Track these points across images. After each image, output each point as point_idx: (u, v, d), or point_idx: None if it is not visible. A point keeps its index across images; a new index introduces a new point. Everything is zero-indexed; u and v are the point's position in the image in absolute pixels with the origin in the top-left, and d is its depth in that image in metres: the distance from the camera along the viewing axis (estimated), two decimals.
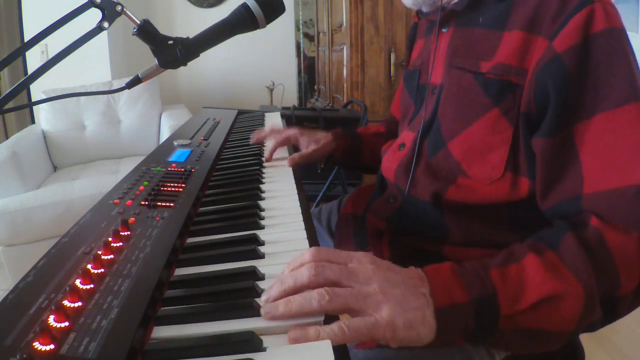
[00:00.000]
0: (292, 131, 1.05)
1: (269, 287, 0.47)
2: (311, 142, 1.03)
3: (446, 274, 0.49)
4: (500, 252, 0.53)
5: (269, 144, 1.05)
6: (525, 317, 0.47)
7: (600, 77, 0.56)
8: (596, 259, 0.49)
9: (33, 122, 2.87)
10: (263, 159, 1.01)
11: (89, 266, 0.49)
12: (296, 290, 0.45)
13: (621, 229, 0.51)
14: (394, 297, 0.45)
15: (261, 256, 0.57)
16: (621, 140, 0.54)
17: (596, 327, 0.51)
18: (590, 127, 0.56)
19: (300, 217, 0.67)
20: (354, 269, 0.47)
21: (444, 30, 0.79)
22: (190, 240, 0.63)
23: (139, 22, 0.68)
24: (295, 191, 0.79)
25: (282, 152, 1.07)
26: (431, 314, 0.45)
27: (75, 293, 0.43)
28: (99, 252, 0.51)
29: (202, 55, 0.72)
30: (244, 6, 0.70)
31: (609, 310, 0.50)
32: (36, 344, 0.37)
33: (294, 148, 1.09)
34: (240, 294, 0.48)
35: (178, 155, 0.97)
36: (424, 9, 0.81)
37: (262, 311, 0.44)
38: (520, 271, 0.49)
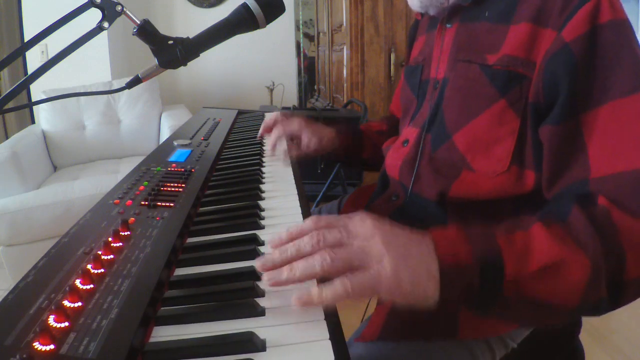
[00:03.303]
0: (297, 122, 1.01)
1: (268, 254, 0.47)
2: (314, 138, 0.99)
3: (451, 232, 0.49)
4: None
5: (272, 136, 1.02)
6: (531, 284, 0.47)
7: (607, 67, 0.56)
8: (604, 236, 0.49)
9: (33, 122, 2.87)
10: (263, 159, 1.01)
11: (89, 266, 0.49)
12: (298, 258, 0.45)
13: (628, 212, 0.51)
14: (397, 250, 0.44)
15: (261, 256, 0.57)
16: (628, 128, 0.54)
17: (600, 310, 0.51)
18: (597, 116, 0.56)
19: (300, 217, 0.68)
20: (355, 228, 0.47)
21: (448, 25, 0.79)
22: (190, 240, 0.63)
23: (139, 22, 0.68)
24: (295, 191, 0.79)
25: (284, 143, 1.03)
26: (436, 270, 0.45)
27: (75, 293, 0.43)
28: (99, 252, 0.51)
29: (202, 55, 0.72)
30: (244, 6, 0.70)
31: (614, 293, 0.49)
32: (36, 344, 0.37)
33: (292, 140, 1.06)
34: (240, 294, 0.48)
35: (178, 155, 0.96)
36: (431, 12, 0.80)
37: (264, 277, 0.44)
38: (526, 238, 0.49)
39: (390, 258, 0.43)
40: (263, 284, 0.46)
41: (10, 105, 0.60)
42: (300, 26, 3.58)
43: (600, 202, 0.52)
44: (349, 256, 0.44)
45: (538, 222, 0.50)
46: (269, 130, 1.05)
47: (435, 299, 0.45)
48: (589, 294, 0.48)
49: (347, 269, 0.43)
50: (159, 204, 0.68)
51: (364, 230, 0.46)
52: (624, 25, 0.58)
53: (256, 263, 0.48)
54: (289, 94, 3.45)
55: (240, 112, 1.56)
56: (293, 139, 1.02)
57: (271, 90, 3.26)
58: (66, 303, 0.42)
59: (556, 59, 0.59)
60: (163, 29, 0.68)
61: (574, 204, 0.52)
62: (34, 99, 2.69)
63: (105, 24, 0.65)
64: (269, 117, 1.06)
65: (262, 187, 0.82)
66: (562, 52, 0.59)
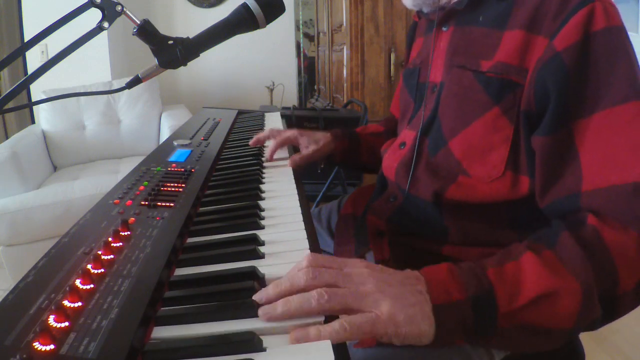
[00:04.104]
0: (291, 132, 1.05)
1: (264, 289, 0.47)
2: (311, 143, 1.03)
3: (442, 272, 0.49)
4: (499, 251, 0.53)
5: (269, 145, 1.05)
6: (524, 315, 0.47)
7: (600, 76, 0.56)
8: (594, 257, 0.49)
9: (33, 122, 2.87)
10: (263, 159, 1.01)
11: (89, 266, 0.49)
12: (292, 293, 0.45)
13: (619, 227, 0.51)
14: (392, 294, 0.45)
15: (261, 256, 0.57)
16: (620, 138, 0.54)
17: (596, 326, 0.51)
18: (589, 125, 0.56)
19: (300, 217, 0.67)
20: (349, 272, 0.47)
21: (444, 28, 0.79)
22: (190, 240, 0.63)
23: (139, 22, 0.68)
24: (295, 191, 0.79)
25: (282, 152, 1.07)
26: (430, 310, 0.46)
27: (75, 293, 0.43)
28: (99, 252, 0.51)
29: (202, 55, 0.72)
30: (244, 6, 0.70)
31: (609, 308, 0.50)
32: (36, 344, 0.37)
33: (294, 148, 1.09)
34: (240, 294, 0.48)
35: (178, 155, 0.96)
36: (425, 9, 0.81)
37: (260, 312, 0.44)
38: (517, 269, 0.49)
39: (387, 303, 0.44)
40: (259, 319, 0.45)
41: (10, 105, 0.60)
42: (300, 26, 3.58)
43: (589, 221, 0.53)
44: (345, 297, 0.44)
45: (528, 252, 0.51)
46: (261, 142, 1.09)
47: (431, 337, 0.45)
48: (583, 316, 0.48)
49: (343, 310, 0.44)
50: (159, 204, 0.68)
51: (358, 275, 0.47)
52: (619, 32, 0.57)
53: (255, 297, 0.47)
54: (289, 94, 3.45)
55: (240, 112, 1.56)
56: (293, 147, 1.06)
57: (271, 90, 3.26)
58: (66, 303, 0.42)
59: (547, 68, 0.59)
60: (163, 29, 0.68)
61: (564, 230, 0.52)
62: (34, 99, 2.69)
63: (105, 24, 0.65)
64: (263, 132, 1.09)
65: (262, 187, 0.82)
66: (552, 61, 0.58)
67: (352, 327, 0.42)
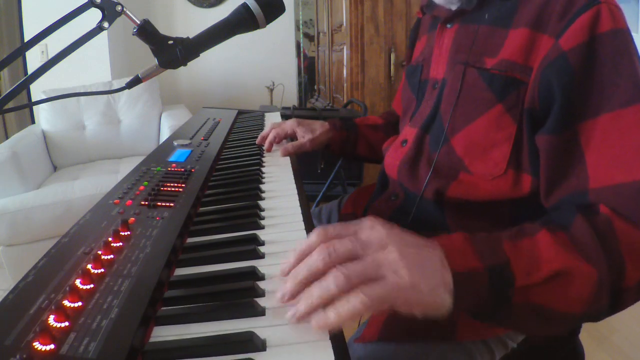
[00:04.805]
0: (289, 123, 1.07)
1: (283, 284, 0.44)
2: (307, 132, 1.05)
3: (459, 241, 0.48)
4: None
5: (268, 138, 1.08)
6: (538, 292, 0.46)
7: (605, 77, 0.56)
8: (606, 246, 0.49)
9: (33, 122, 2.87)
10: (263, 159, 1.01)
11: (89, 266, 0.49)
12: (312, 279, 0.42)
13: (628, 222, 0.51)
14: (413, 259, 0.42)
15: (261, 256, 0.57)
16: (627, 139, 0.54)
17: (601, 317, 0.51)
18: (595, 126, 0.56)
19: (300, 217, 0.67)
20: (366, 236, 0.44)
21: (448, 26, 0.79)
22: (190, 240, 0.63)
23: (139, 22, 0.68)
24: (295, 191, 0.79)
25: (281, 144, 1.09)
26: (450, 278, 0.44)
27: (75, 293, 0.43)
28: (99, 252, 0.51)
29: (202, 55, 0.72)
30: (244, 6, 0.70)
31: (613, 300, 0.50)
32: (36, 344, 0.37)
33: (291, 140, 1.11)
34: (240, 294, 0.48)
35: (178, 155, 0.96)
36: (453, 7, 0.77)
37: (287, 317, 0.42)
38: (533, 245, 0.48)
39: (408, 270, 0.41)
40: (288, 320, 0.43)
41: (10, 105, 0.60)
42: (300, 26, 3.58)
43: (602, 210, 0.52)
44: (364, 269, 0.41)
45: (543, 229, 0.50)
46: (265, 139, 1.10)
47: (450, 308, 0.43)
48: (593, 302, 0.48)
49: (363, 283, 0.41)
50: (159, 204, 0.68)
51: (376, 238, 0.44)
52: (625, 35, 0.57)
53: (277, 296, 0.45)
54: (289, 94, 3.44)
55: (240, 112, 1.56)
56: (291, 139, 1.08)
57: (271, 90, 3.26)
58: (66, 303, 0.42)
59: (552, 67, 0.59)
60: (163, 29, 0.68)
61: (577, 212, 0.52)
62: (34, 99, 2.69)
63: (105, 24, 0.65)
64: (265, 129, 1.12)
65: (262, 187, 0.82)
66: (558, 61, 0.58)
67: (373, 300, 0.39)
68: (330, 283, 0.41)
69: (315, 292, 0.41)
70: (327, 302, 0.41)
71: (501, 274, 0.46)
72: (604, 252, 0.48)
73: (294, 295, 0.43)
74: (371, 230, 0.45)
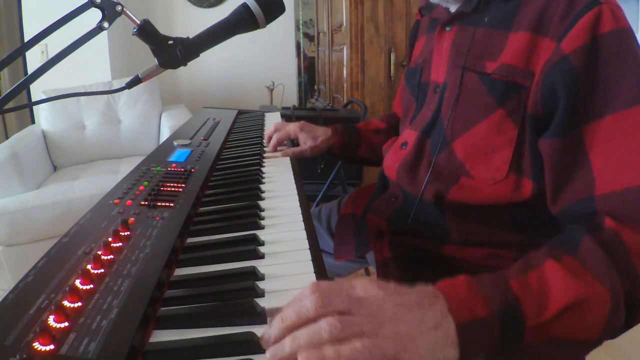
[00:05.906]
0: (293, 126, 1.08)
1: (269, 326, 0.42)
2: (309, 139, 1.05)
3: (462, 288, 0.45)
4: (501, 252, 0.52)
5: (272, 140, 1.09)
6: (552, 327, 0.44)
7: (609, 78, 0.55)
8: (617, 261, 0.47)
9: (33, 122, 2.86)
10: (263, 159, 1.01)
11: (89, 266, 0.49)
12: (300, 326, 0.40)
13: (636, 229, 0.50)
14: (412, 320, 0.41)
15: (261, 256, 0.57)
16: (631, 141, 0.53)
17: (617, 333, 0.49)
18: (599, 128, 0.55)
19: (300, 217, 0.67)
20: (361, 296, 0.42)
21: (447, 28, 0.78)
22: (190, 240, 0.63)
23: (139, 22, 0.68)
24: (295, 191, 0.79)
25: (284, 146, 1.10)
26: (453, 332, 0.41)
27: (75, 293, 0.43)
28: (99, 252, 0.51)
29: (202, 55, 0.72)
30: (244, 6, 0.70)
31: (629, 313, 0.48)
32: (36, 344, 0.37)
33: (293, 142, 1.12)
34: (240, 294, 0.48)
35: (178, 155, 0.96)
36: (452, 9, 0.77)
37: (267, 355, 0.40)
38: (541, 278, 0.46)
39: (407, 332, 0.40)
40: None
41: (10, 105, 0.60)
42: (300, 26, 3.58)
43: (607, 224, 0.51)
44: (361, 325, 0.39)
45: (549, 259, 0.47)
46: (270, 138, 1.11)
47: (456, 358, 0.41)
48: (610, 323, 0.46)
49: (357, 336, 0.39)
50: (159, 204, 0.68)
51: (372, 299, 0.42)
52: (627, 34, 0.57)
53: (261, 337, 0.42)
54: (289, 94, 3.44)
55: (240, 112, 1.56)
56: (293, 141, 1.10)
57: (271, 90, 3.26)
58: (66, 303, 0.42)
59: (555, 71, 0.58)
60: (163, 29, 0.68)
61: (584, 234, 0.50)
62: (34, 99, 2.69)
63: (105, 24, 0.65)
64: (270, 128, 1.13)
65: (262, 187, 0.82)
66: (561, 64, 0.58)
67: (371, 353, 0.37)
68: (322, 328, 0.38)
69: (304, 334, 0.39)
70: (312, 348, 0.38)
71: (512, 316, 0.44)
72: (616, 269, 0.47)
73: (279, 340, 0.40)
74: (366, 291, 0.43)
